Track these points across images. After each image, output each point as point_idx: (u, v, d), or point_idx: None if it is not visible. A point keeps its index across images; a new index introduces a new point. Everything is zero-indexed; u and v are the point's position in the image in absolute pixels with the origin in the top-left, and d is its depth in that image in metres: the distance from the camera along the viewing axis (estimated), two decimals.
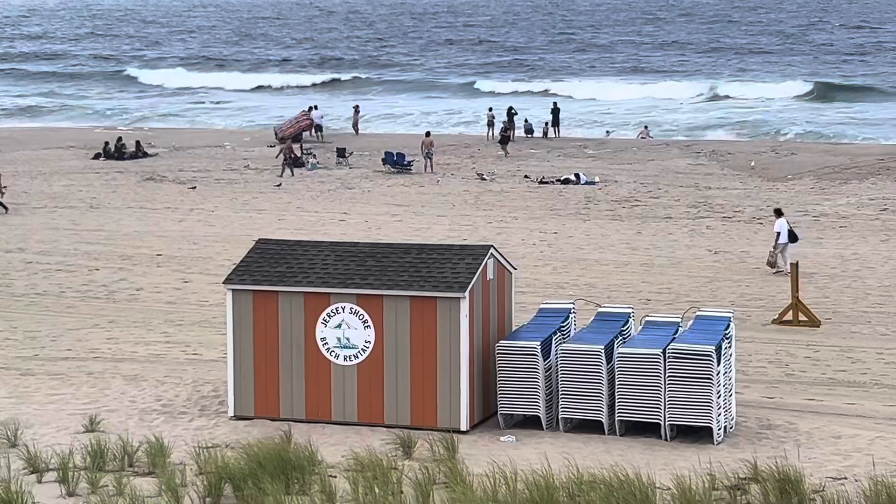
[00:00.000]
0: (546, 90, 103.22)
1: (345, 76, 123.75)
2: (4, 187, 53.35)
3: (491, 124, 75.19)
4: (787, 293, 32.92)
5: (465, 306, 22.73)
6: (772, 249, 39.09)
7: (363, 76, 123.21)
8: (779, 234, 38.79)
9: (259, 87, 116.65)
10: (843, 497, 17.33)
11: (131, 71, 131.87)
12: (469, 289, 22.76)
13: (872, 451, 21.55)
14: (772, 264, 38.80)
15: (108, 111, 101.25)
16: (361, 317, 23.18)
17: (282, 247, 24.85)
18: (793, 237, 38.95)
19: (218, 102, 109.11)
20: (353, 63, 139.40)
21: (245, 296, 23.79)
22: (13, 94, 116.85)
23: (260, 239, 25.69)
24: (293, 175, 59.94)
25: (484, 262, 23.47)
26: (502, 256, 24.63)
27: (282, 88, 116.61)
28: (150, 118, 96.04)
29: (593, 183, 57.58)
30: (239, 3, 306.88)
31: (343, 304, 23.24)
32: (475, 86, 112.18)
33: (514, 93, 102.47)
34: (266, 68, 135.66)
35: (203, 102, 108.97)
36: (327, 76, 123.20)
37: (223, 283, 24.57)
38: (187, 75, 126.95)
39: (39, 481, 19.39)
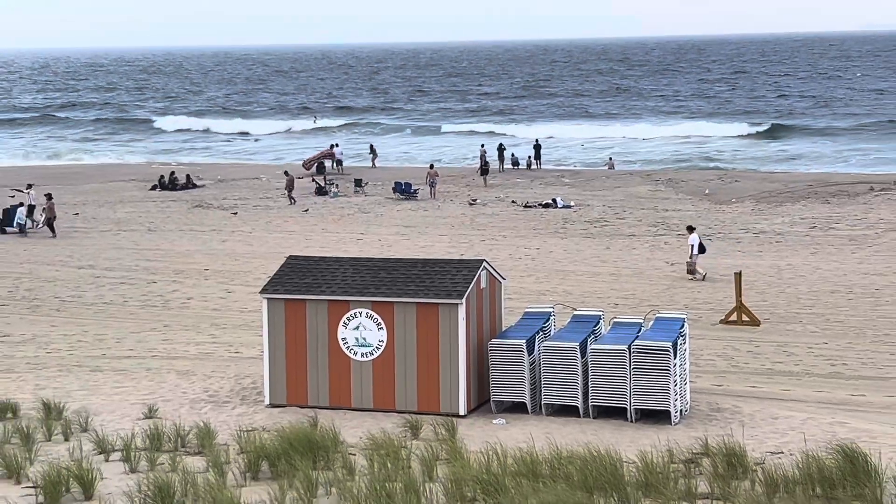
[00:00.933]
0: (512, 134, 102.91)
1: (350, 120, 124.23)
2: (76, 214, 53.21)
3: (483, 157, 75.22)
4: (733, 298, 32.95)
5: (462, 311, 22.75)
6: (689, 259, 39.55)
7: (365, 120, 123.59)
8: (693, 246, 39.35)
9: (276, 132, 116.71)
10: (780, 468, 17.29)
11: (166, 119, 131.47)
12: (465, 296, 22.79)
13: (804, 429, 21.56)
14: (691, 271, 39.29)
15: (159, 151, 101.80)
16: (375, 320, 23.19)
17: (309, 262, 24.88)
18: (702, 249, 39.69)
19: (257, 140, 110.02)
20: (362, 109, 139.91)
21: (278, 303, 23.81)
22: (77, 137, 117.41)
23: (290, 256, 25.71)
24: (295, 204, 60.01)
25: (478, 274, 23.49)
26: (493, 269, 24.64)
27: (289, 131, 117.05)
28: (192, 154, 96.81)
29: (569, 207, 57.65)
30: (263, 56, 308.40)
31: (360, 310, 23.25)
32: (455, 129, 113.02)
33: (491, 133, 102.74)
34: (280, 114, 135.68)
35: (230, 141, 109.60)
36: (339, 121, 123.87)
37: (260, 292, 24.59)
38: (216, 122, 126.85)
39: (107, 460, 19.37)
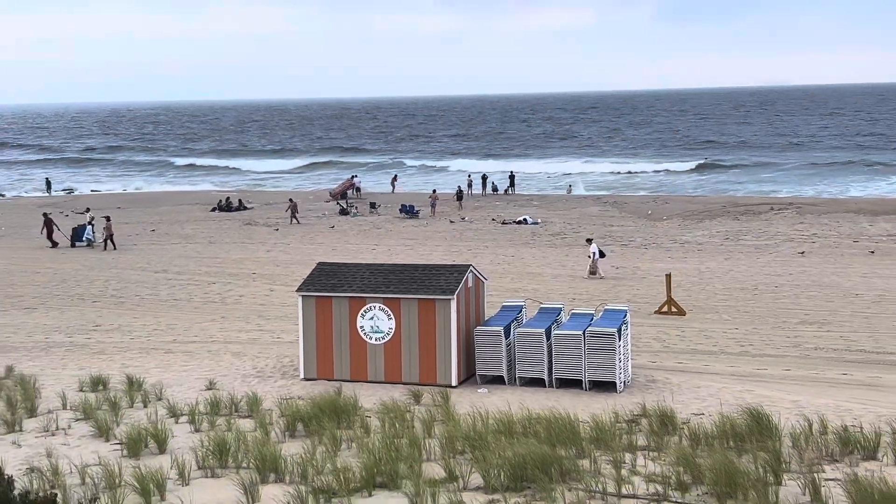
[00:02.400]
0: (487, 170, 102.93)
1: (351, 158, 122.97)
2: (153, 230, 53.01)
3: (470, 185, 75.46)
4: (664, 293, 33.00)
5: (454, 305, 22.77)
6: (591, 264, 39.99)
7: (355, 160, 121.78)
8: (594, 253, 39.97)
9: (280, 169, 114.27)
10: (701, 426, 17.34)
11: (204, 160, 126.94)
12: (456, 293, 22.81)
13: (720, 396, 21.60)
14: (593, 272, 39.70)
15: (218, 181, 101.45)
16: (386, 312, 23.19)
17: (334, 267, 24.88)
18: (602, 254, 40.42)
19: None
20: (355, 149, 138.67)
21: (310, 299, 23.81)
22: (150, 172, 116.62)
23: (319, 262, 25.71)
24: (299, 223, 59.54)
25: (466, 276, 23.51)
26: (478, 272, 24.67)
27: (311, 165, 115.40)
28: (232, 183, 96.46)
29: (537, 223, 57.67)
30: (299, 107, 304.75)
31: (374, 304, 23.25)
32: (430, 165, 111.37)
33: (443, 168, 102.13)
34: (289, 154, 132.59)
35: (247, 175, 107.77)
36: (351, 158, 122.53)
37: (296, 291, 24.58)
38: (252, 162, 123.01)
39: (176, 422, 19.38)
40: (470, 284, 23.91)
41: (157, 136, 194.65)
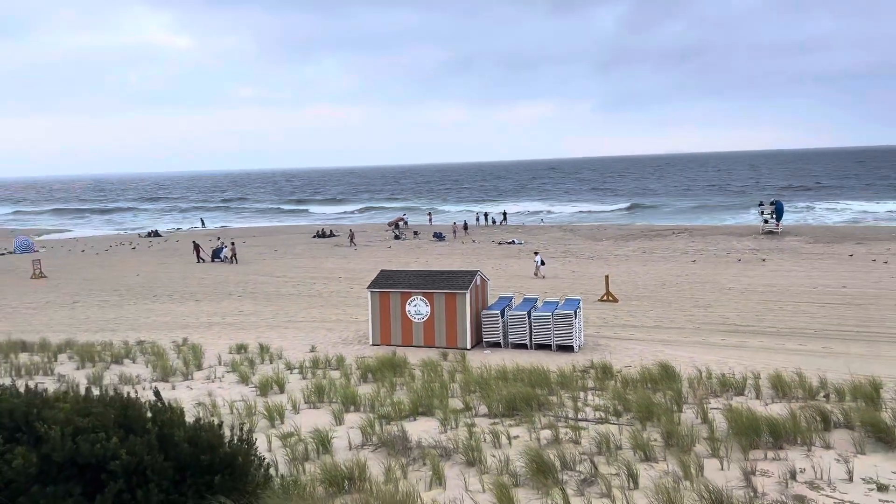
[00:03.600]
0: (485, 211, 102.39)
1: (386, 204, 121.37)
2: (276, 250, 53.07)
3: (477, 219, 75.25)
4: (604, 288, 32.74)
5: (468, 296, 22.69)
6: (536, 269, 39.47)
7: (393, 205, 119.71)
8: (537, 262, 39.49)
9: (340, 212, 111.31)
10: (629, 374, 17.16)
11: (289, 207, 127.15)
12: (469, 288, 22.74)
13: (643, 354, 21.40)
14: (536, 274, 39.20)
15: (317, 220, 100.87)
16: (425, 301, 23.15)
17: (391, 272, 24.87)
18: (542, 263, 39.74)
19: (363, 209, 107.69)
20: (389, 198, 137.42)
21: (376, 293, 23.81)
22: (265, 215, 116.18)
23: (382, 269, 25.70)
24: (355, 245, 58.47)
25: (475, 277, 23.46)
26: (483, 275, 24.60)
27: (363, 209, 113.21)
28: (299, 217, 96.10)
29: (521, 244, 57.47)
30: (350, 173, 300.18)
31: (417, 296, 23.22)
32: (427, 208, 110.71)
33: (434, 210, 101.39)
34: (350, 202, 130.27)
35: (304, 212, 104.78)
36: (390, 204, 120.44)
37: (367, 288, 24.57)
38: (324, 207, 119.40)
39: (291, 373, 19.37)
40: (478, 283, 23.85)
41: (270, 191, 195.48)
